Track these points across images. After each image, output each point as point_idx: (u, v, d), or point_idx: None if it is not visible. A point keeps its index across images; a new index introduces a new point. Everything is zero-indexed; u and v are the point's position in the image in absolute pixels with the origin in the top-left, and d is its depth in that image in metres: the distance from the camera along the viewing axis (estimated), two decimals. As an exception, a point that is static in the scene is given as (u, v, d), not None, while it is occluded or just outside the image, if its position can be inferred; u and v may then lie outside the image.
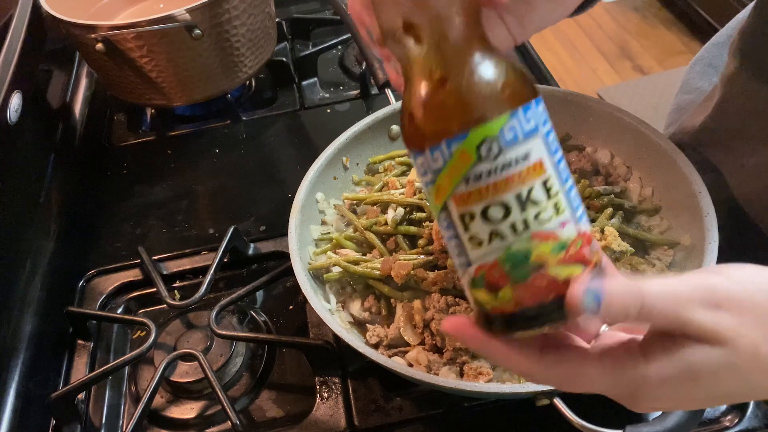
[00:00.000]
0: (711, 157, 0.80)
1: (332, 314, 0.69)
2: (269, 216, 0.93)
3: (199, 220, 0.95)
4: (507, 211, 0.36)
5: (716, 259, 0.63)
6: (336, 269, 0.73)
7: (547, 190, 0.36)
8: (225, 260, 0.85)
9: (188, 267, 0.88)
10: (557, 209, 0.37)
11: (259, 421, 0.72)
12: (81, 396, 0.75)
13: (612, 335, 0.41)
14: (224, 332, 0.75)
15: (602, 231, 0.67)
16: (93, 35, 0.92)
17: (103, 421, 0.75)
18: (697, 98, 0.90)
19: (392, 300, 0.71)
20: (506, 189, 0.36)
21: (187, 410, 0.74)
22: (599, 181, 0.79)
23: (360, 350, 0.62)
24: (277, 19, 1.16)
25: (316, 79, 1.17)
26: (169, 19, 0.92)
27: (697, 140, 0.82)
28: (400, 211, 0.74)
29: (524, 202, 0.36)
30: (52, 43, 1.06)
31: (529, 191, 0.36)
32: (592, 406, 0.57)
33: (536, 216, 0.36)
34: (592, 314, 0.36)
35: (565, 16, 0.58)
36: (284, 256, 0.77)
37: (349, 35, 1.18)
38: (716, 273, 0.38)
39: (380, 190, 0.80)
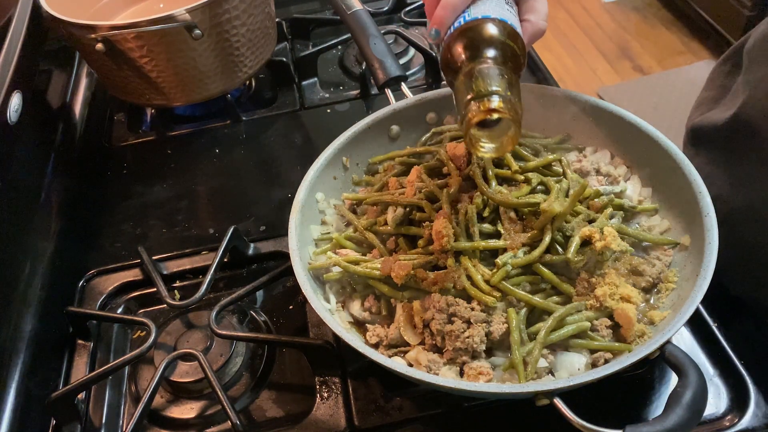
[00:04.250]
0: (731, 153, 0.80)
1: (332, 314, 0.69)
2: (269, 216, 0.93)
3: (199, 220, 0.95)
4: None
5: (716, 259, 0.63)
6: (336, 269, 0.73)
7: None
8: (225, 260, 0.85)
9: (188, 267, 0.88)
10: None
11: (259, 421, 0.72)
12: (81, 396, 0.75)
13: None
14: (224, 332, 0.75)
15: (602, 231, 0.67)
16: (93, 35, 0.92)
17: (103, 421, 0.75)
18: (719, 95, 0.90)
19: (392, 300, 0.71)
20: None
21: (187, 410, 0.74)
22: (599, 181, 0.79)
23: (360, 350, 0.62)
24: (277, 19, 1.17)
25: (316, 79, 1.17)
26: (169, 19, 0.92)
27: (720, 134, 0.82)
28: (400, 211, 0.74)
29: None
30: (52, 43, 1.06)
31: None
32: (592, 406, 0.57)
33: None
34: None
35: None
36: (284, 256, 0.77)
37: (349, 35, 1.18)
38: None
39: (380, 190, 0.80)
